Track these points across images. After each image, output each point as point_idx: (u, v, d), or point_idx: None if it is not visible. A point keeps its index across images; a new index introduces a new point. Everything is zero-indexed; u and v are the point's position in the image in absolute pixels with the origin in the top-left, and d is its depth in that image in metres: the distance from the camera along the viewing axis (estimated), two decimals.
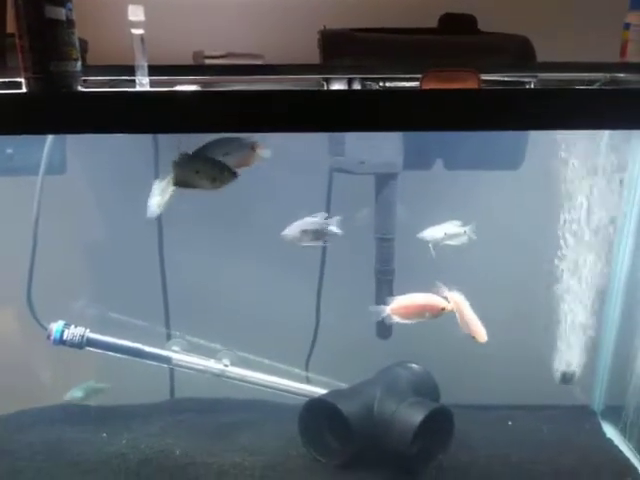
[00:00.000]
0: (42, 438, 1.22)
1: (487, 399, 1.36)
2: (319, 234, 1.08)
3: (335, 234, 1.09)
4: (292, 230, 1.08)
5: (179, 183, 0.98)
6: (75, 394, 1.32)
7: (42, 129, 0.93)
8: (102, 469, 1.12)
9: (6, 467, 1.15)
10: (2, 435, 1.22)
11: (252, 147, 1.00)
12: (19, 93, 0.82)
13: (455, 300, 1.10)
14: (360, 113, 0.81)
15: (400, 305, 1.11)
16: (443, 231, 1.15)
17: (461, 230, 1.12)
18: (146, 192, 1.22)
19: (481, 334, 1.09)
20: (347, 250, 1.26)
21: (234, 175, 0.98)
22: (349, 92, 0.89)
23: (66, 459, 1.16)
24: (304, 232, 1.07)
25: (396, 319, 1.11)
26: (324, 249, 1.30)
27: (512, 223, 1.25)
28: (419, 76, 0.89)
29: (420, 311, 1.11)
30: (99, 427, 1.26)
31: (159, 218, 1.25)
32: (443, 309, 1.10)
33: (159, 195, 1.05)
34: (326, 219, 1.09)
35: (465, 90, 0.81)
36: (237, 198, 1.10)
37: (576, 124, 0.82)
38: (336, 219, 1.09)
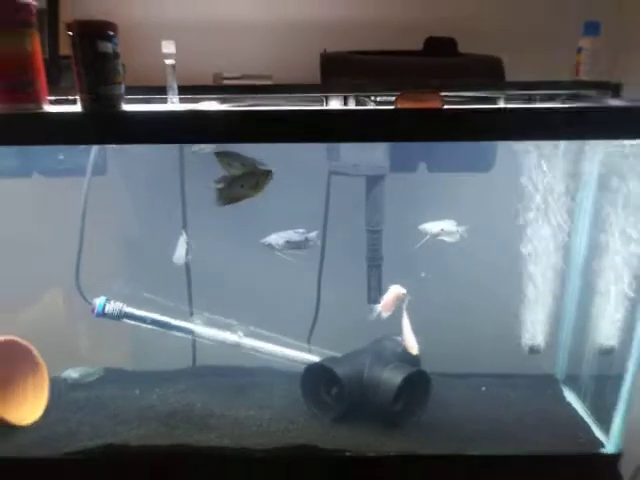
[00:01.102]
0: (85, 395, 1.43)
1: (464, 368, 1.54)
2: (299, 245, 1.33)
3: (315, 244, 1.34)
4: (273, 239, 1.33)
5: (228, 202, 1.18)
6: (71, 374, 1.49)
7: (94, 140, 1.16)
8: (137, 420, 1.32)
9: (57, 419, 1.35)
10: (53, 393, 1.42)
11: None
12: (77, 112, 1.01)
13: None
14: (349, 128, 1.03)
15: (384, 302, 1.35)
16: (440, 227, 1.35)
17: (456, 229, 1.32)
18: (171, 190, 1.45)
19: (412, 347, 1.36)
20: (344, 241, 1.47)
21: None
22: (341, 111, 1.08)
23: (106, 412, 1.35)
24: (287, 242, 1.32)
25: (385, 313, 1.34)
26: (323, 241, 1.50)
27: (484, 217, 1.41)
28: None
29: (395, 301, 1.34)
30: (133, 387, 1.46)
31: (184, 215, 1.47)
32: (404, 294, 1.33)
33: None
34: (305, 234, 1.33)
35: (428, 109, 1.02)
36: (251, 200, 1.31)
37: (511, 137, 1.04)
38: (315, 233, 1.34)
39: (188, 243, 1.42)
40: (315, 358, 1.45)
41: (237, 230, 1.45)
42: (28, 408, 1.38)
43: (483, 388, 1.51)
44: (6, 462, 1.25)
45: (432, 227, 1.34)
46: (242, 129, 1.01)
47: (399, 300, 1.31)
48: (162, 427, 1.30)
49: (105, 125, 1.03)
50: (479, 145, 1.37)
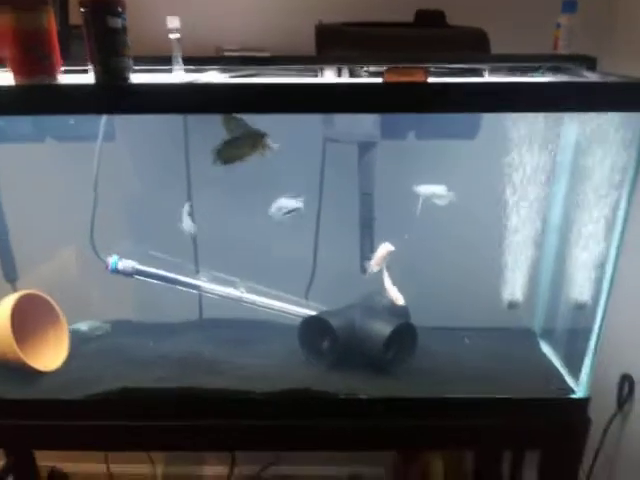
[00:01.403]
0: (105, 344, 1.55)
1: (449, 322, 1.63)
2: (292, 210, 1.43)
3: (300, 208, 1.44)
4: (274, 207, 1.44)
5: (224, 162, 1.27)
6: (80, 327, 1.60)
7: (106, 110, 1.25)
8: (152, 364, 1.43)
9: (80, 365, 1.47)
10: (74, 342, 1.54)
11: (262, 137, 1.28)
12: (90, 84, 1.10)
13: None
14: (341, 100, 1.12)
15: (375, 259, 1.46)
16: (432, 190, 1.45)
17: (446, 193, 1.42)
18: (177, 155, 1.55)
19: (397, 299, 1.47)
20: (339, 204, 1.57)
21: (266, 135, 1.26)
22: (335, 85, 1.17)
23: (125, 358, 1.47)
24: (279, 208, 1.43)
25: (376, 268, 1.46)
26: (320, 204, 1.61)
27: (469, 180, 1.49)
28: (390, 66, 1.18)
29: (384, 257, 1.45)
30: (147, 337, 1.57)
31: (188, 179, 1.58)
32: (391, 251, 1.44)
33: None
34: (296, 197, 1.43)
35: (414, 82, 1.11)
36: (252, 163, 1.41)
37: (492, 109, 1.13)
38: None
39: (191, 213, 1.50)
40: (311, 312, 1.56)
41: (239, 195, 1.56)
42: (50, 356, 1.50)
43: (466, 340, 1.62)
44: (33, 403, 1.37)
45: (425, 190, 1.44)
46: (244, 101, 1.11)
47: (387, 256, 1.43)
48: (174, 371, 1.42)
49: (116, 96, 1.12)
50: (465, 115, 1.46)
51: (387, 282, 1.48)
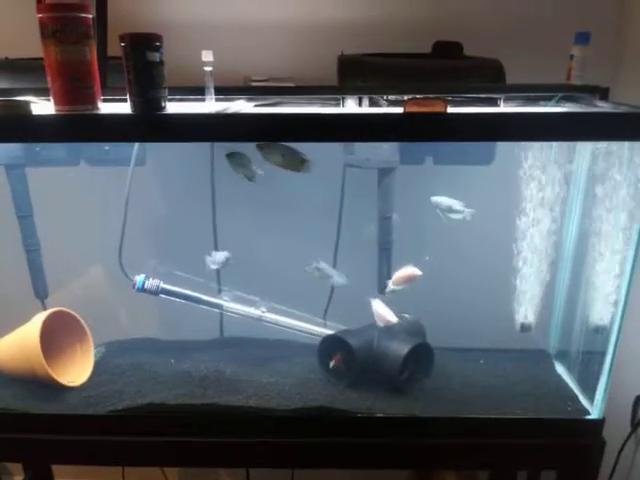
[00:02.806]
0: (127, 361, 1.57)
1: (465, 343, 1.67)
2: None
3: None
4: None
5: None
6: None
7: (143, 139, 1.32)
8: (174, 382, 1.46)
9: (103, 381, 1.50)
10: (98, 359, 1.59)
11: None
12: (130, 114, 1.15)
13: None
14: (362, 129, 1.18)
15: (395, 278, 1.49)
16: (449, 203, 1.46)
17: (462, 208, 1.44)
18: (203, 179, 1.60)
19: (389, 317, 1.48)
20: (359, 226, 1.62)
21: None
22: (355, 115, 1.21)
23: (146, 375, 1.50)
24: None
25: (395, 287, 1.49)
26: (340, 226, 1.65)
27: (484, 204, 1.52)
28: (411, 96, 1.24)
29: (407, 279, 1.49)
30: (168, 355, 1.60)
31: (213, 202, 1.63)
32: (418, 275, 1.48)
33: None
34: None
35: (434, 113, 1.16)
36: (275, 185, 1.46)
37: (507, 138, 1.18)
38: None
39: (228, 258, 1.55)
40: (330, 331, 1.59)
41: (262, 217, 1.61)
42: (77, 371, 1.53)
43: (482, 361, 1.65)
44: (58, 418, 1.41)
45: (443, 201, 1.47)
46: (268, 129, 1.17)
47: (411, 279, 1.46)
48: (196, 389, 1.45)
49: (153, 125, 1.17)
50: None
51: (377, 304, 1.50)
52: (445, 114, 1.16)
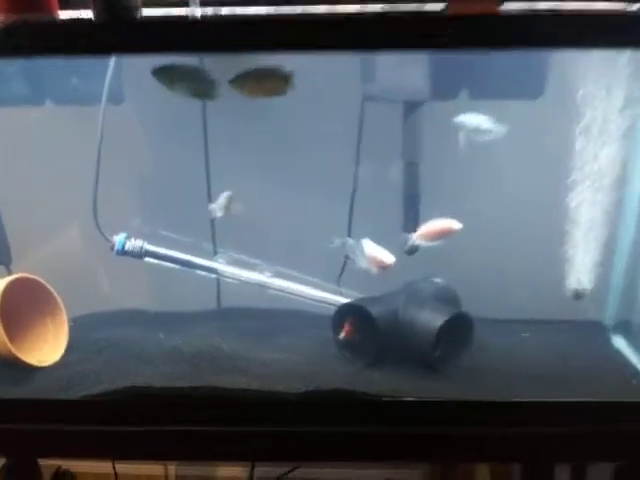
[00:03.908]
0: (107, 336, 1.38)
1: (504, 314, 1.46)
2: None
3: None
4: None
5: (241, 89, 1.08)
6: None
7: (110, 49, 1.07)
8: (161, 360, 1.27)
9: (78, 359, 1.31)
10: (73, 334, 1.37)
11: (286, 78, 1.09)
12: (91, 19, 0.93)
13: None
14: (392, 35, 0.92)
15: (425, 231, 1.25)
16: (476, 122, 1.22)
17: (492, 126, 1.20)
18: (193, 119, 1.35)
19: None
20: (380, 175, 1.37)
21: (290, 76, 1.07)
22: (383, 14, 0.97)
23: (129, 352, 1.31)
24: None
25: (422, 243, 1.25)
26: (357, 174, 1.41)
27: (531, 149, 1.34)
28: None
29: (441, 234, 1.24)
30: (155, 329, 1.41)
31: (205, 146, 1.38)
32: (458, 229, 1.23)
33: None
34: None
35: (484, 14, 0.91)
36: (275, 126, 1.22)
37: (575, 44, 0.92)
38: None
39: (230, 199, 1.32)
40: (346, 300, 1.38)
41: (264, 163, 1.37)
42: (48, 349, 1.34)
43: (526, 334, 1.44)
44: (25, 404, 1.21)
45: (468, 120, 1.23)
46: (269, 35, 0.91)
47: (445, 234, 1.21)
48: (187, 368, 1.25)
49: (120, 33, 0.93)
50: (528, 70, 1.27)
51: (368, 245, 1.28)
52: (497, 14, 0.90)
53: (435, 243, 1.24)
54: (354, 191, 1.39)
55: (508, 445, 1.22)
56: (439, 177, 1.28)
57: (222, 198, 1.27)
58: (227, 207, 1.24)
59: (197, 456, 1.27)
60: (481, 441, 1.21)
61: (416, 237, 1.23)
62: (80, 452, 1.26)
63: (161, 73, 1.08)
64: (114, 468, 1.80)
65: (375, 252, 1.24)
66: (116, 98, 1.31)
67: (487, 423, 1.20)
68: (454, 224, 1.20)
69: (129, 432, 1.19)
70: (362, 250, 1.29)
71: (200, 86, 1.07)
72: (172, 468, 1.95)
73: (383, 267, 1.24)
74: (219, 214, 1.26)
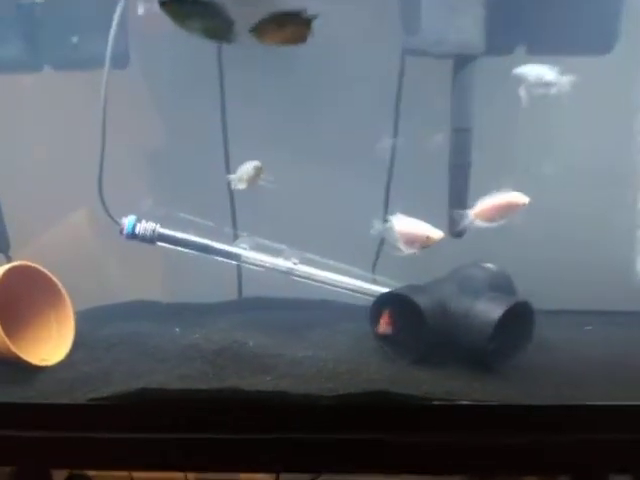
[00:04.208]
0: (119, 331, 1.28)
1: (563, 304, 1.34)
2: None
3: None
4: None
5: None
6: None
7: None
8: (177, 358, 1.16)
9: (85, 357, 1.20)
10: (80, 329, 1.26)
11: (308, 23, 0.94)
12: None
13: None
14: None
15: (484, 208, 1.08)
16: (538, 73, 1.07)
17: (555, 79, 1.03)
18: (209, 88, 1.21)
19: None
20: (417, 150, 1.22)
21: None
22: None
23: (142, 350, 1.20)
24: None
25: (480, 223, 1.08)
26: (393, 152, 1.26)
27: (599, 113, 1.17)
28: None
29: (504, 211, 1.07)
30: (171, 323, 1.31)
31: (223, 113, 1.23)
32: (524, 204, 1.05)
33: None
34: None
35: None
36: (304, 86, 1.07)
37: None
38: None
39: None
40: (382, 289, 1.25)
41: (289, 136, 1.22)
42: (51, 347, 1.23)
43: (588, 327, 1.30)
44: (26, 409, 1.10)
45: (529, 71, 1.07)
46: None
47: (508, 210, 1.04)
48: (207, 368, 1.13)
49: None
50: (597, 19, 1.09)
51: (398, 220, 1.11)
52: None
53: (495, 223, 1.06)
54: (392, 161, 1.23)
55: (580, 453, 1.05)
56: (492, 144, 1.11)
57: (247, 168, 1.11)
58: (253, 179, 1.08)
59: (216, 467, 1.14)
60: (547, 449, 1.04)
61: (472, 215, 1.06)
62: (86, 462, 1.14)
63: (171, 5, 0.92)
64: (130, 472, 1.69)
65: (416, 227, 1.08)
66: (121, 61, 1.17)
67: (553, 430, 1.04)
68: (519, 198, 1.04)
69: (141, 440, 1.06)
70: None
71: (215, 25, 0.91)
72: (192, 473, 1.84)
73: (427, 244, 1.07)
74: (241, 186, 1.10)
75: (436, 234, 1.06)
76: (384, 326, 1.14)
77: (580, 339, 1.25)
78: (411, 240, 1.06)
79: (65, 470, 1.78)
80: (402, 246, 1.08)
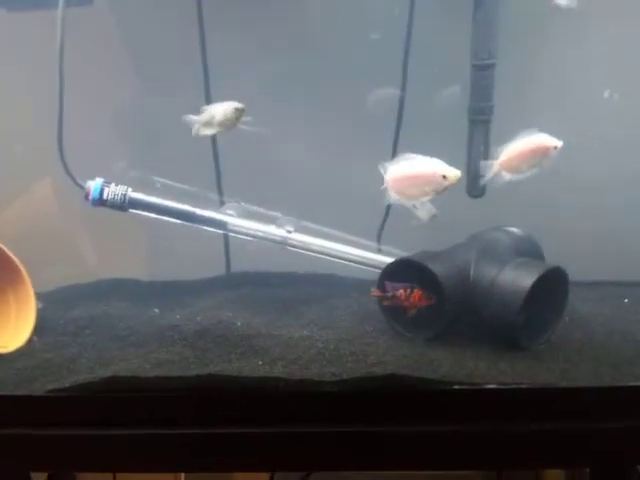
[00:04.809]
0: (87, 314, 1.17)
1: (595, 275, 1.22)
2: None
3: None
4: None
5: None
6: None
7: None
8: (153, 341, 1.03)
9: (49, 343, 1.08)
10: (46, 311, 1.15)
11: None
12: None
13: None
14: None
15: (510, 155, 0.91)
16: None
17: None
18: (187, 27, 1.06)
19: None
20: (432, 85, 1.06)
21: None
22: None
23: (114, 333, 1.08)
24: None
25: (507, 175, 0.92)
26: (401, 109, 1.10)
27: None
28: None
29: (533, 158, 0.92)
30: (151, 303, 1.19)
31: (205, 62, 1.07)
32: (555, 148, 0.89)
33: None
34: None
35: None
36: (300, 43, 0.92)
37: None
38: None
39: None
40: (388, 260, 1.11)
41: (283, 77, 1.07)
42: (9, 332, 1.11)
43: (626, 300, 1.18)
44: None
45: None
46: None
47: (541, 156, 0.88)
48: (188, 352, 1.01)
49: None
50: None
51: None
52: None
53: (524, 175, 0.90)
54: (400, 112, 1.08)
55: (622, 443, 0.92)
56: (519, 84, 0.96)
57: (222, 110, 0.94)
58: (230, 123, 0.91)
59: (197, 467, 1.02)
60: (586, 437, 0.92)
61: (498, 166, 0.90)
62: (45, 461, 1.01)
63: None
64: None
65: (426, 165, 0.89)
66: None
67: (593, 416, 0.91)
68: (551, 141, 0.88)
69: (108, 437, 0.93)
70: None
71: None
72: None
73: (444, 186, 0.89)
74: (207, 132, 0.92)
75: (453, 172, 0.88)
76: (397, 301, 0.99)
77: (619, 314, 1.12)
78: (423, 183, 0.88)
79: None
80: (410, 192, 0.89)
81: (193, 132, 0.95)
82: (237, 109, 0.92)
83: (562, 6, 0.88)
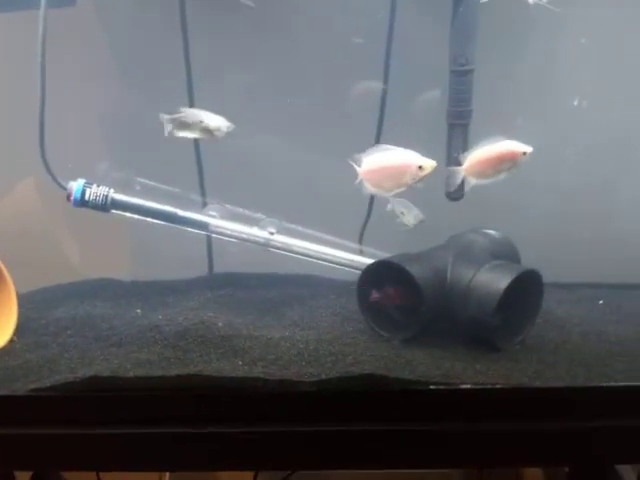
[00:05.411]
0: (69, 314, 1.16)
1: (570, 277, 1.24)
2: None
3: None
4: None
5: None
6: None
7: None
8: (134, 342, 1.03)
9: (30, 343, 1.08)
10: (26, 312, 1.14)
11: None
12: None
13: None
14: None
15: (474, 161, 0.93)
16: None
17: None
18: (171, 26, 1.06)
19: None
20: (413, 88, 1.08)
21: None
22: None
23: (96, 333, 1.08)
24: None
25: (473, 181, 0.94)
26: (383, 107, 1.12)
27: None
28: None
29: (500, 164, 0.93)
30: (133, 303, 1.20)
31: (187, 62, 1.08)
32: (524, 154, 0.91)
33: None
34: None
35: None
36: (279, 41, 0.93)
37: None
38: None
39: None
40: (368, 261, 1.13)
41: (265, 80, 1.08)
42: None
43: (601, 301, 1.20)
44: None
45: None
46: None
47: (508, 162, 0.90)
48: (170, 352, 1.01)
49: None
50: None
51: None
52: None
53: (491, 180, 0.92)
54: (382, 109, 1.09)
55: (602, 442, 0.94)
56: (499, 87, 0.98)
57: (215, 120, 0.93)
58: (217, 135, 0.92)
59: (179, 466, 1.02)
60: (563, 438, 0.94)
61: (464, 171, 0.91)
62: (26, 461, 1.00)
63: None
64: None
65: (400, 156, 0.90)
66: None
67: (570, 416, 0.93)
68: (519, 147, 0.89)
69: (89, 436, 0.93)
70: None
71: None
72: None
73: (418, 177, 0.89)
74: (180, 134, 0.92)
75: (429, 162, 0.89)
76: (376, 301, 1.01)
77: (594, 315, 1.14)
78: (399, 174, 0.89)
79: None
80: (386, 184, 0.89)
81: (166, 132, 0.95)
82: (228, 127, 0.93)
83: (530, 2, 0.89)
